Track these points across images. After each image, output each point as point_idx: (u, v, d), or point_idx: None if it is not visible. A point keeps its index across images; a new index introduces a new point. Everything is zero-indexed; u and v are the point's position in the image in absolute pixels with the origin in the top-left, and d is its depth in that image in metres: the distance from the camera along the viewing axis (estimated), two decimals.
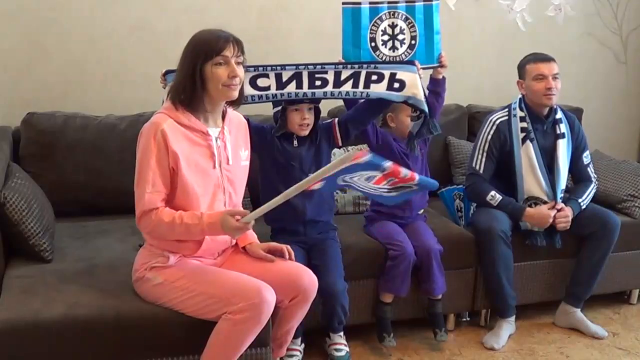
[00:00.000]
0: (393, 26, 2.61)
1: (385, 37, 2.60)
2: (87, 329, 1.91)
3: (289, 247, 2.16)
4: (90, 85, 3.06)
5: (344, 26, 2.59)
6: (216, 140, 2.01)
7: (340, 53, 3.36)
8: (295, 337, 2.36)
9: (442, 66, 2.64)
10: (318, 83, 2.37)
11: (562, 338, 2.86)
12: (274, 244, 2.17)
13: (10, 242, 2.27)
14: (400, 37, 2.62)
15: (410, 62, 2.44)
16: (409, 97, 2.40)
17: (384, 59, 2.59)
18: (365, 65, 2.39)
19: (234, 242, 2.15)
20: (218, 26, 3.14)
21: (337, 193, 2.89)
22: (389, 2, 2.61)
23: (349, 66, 2.39)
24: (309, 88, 2.36)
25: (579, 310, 2.93)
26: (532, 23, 3.19)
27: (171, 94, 1.97)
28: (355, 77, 2.38)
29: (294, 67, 2.35)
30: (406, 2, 2.62)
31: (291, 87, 2.35)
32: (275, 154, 2.43)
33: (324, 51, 3.32)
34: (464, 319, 2.99)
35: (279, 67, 2.34)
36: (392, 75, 2.39)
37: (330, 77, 2.38)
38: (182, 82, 1.93)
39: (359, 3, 2.59)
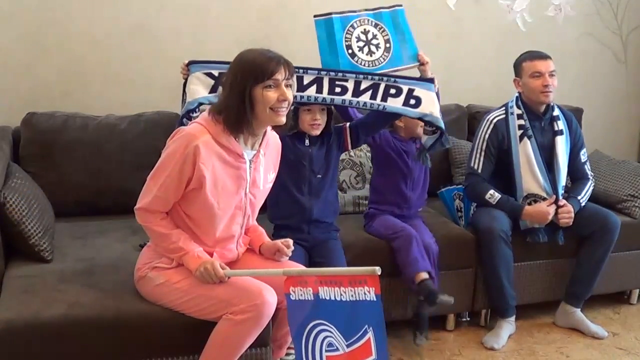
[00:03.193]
0: (366, 32, 2.63)
1: (361, 44, 2.62)
2: (87, 329, 1.90)
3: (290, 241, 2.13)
4: (90, 85, 3.06)
5: (318, 37, 2.59)
6: (249, 164, 1.98)
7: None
8: None
9: (422, 64, 2.62)
10: (338, 90, 2.39)
11: (562, 338, 2.86)
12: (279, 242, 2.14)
13: (10, 242, 2.27)
14: (374, 42, 2.64)
15: (429, 80, 2.46)
16: (425, 115, 2.43)
17: (362, 64, 2.59)
18: (385, 78, 2.41)
19: (240, 254, 2.14)
20: (218, 26, 3.19)
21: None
22: (356, 12, 2.64)
23: (370, 77, 2.41)
24: (328, 94, 2.38)
25: (578, 310, 2.93)
26: (532, 23, 3.19)
27: (214, 112, 1.91)
28: (374, 88, 2.40)
29: (316, 71, 2.38)
30: (373, 10, 2.65)
31: (311, 91, 2.36)
32: (286, 152, 2.43)
33: None
34: (464, 319, 2.98)
35: (300, 70, 2.35)
36: (410, 90, 2.41)
37: (350, 85, 2.40)
38: (230, 104, 1.87)
39: (330, 14, 2.60)
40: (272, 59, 1.87)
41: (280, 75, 1.87)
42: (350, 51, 2.59)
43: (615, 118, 4.11)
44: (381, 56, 2.62)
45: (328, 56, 2.58)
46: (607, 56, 3.99)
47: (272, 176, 2.12)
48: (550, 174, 2.83)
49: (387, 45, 2.63)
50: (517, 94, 2.91)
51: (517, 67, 2.90)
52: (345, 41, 2.59)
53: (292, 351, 2.40)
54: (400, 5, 2.69)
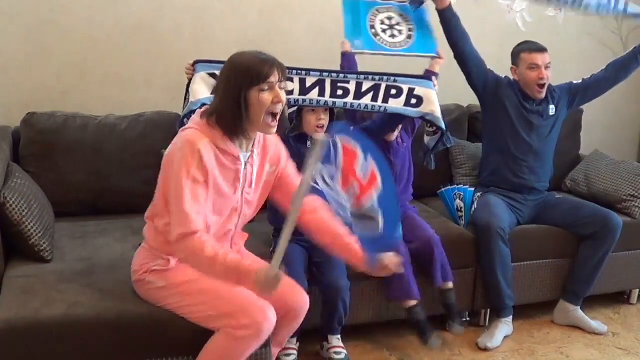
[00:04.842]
0: (390, 18, 2.77)
1: (384, 27, 2.74)
2: (87, 329, 1.91)
3: None
4: (90, 85, 3.06)
5: (344, 15, 2.71)
6: (245, 165, 1.95)
7: (339, 53, 3.37)
8: (291, 337, 2.36)
9: (439, 57, 2.76)
10: (340, 92, 2.42)
11: (562, 338, 2.86)
12: None
13: (10, 242, 2.27)
14: (397, 27, 2.77)
15: (428, 78, 2.49)
16: (427, 114, 2.47)
17: (385, 44, 2.69)
18: (385, 78, 2.45)
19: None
20: (219, 25, 3.19)
21: None
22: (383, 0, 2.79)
23: (371, 77, 2.45)
24: (330, 96, 2.41)
25: (578, 308, 2.93)
26: (532, 23, 3.19)
27: (208, 115, 1.88)
28: (375, 89, 2.44)
29: (318, 73, 2.41)
30: (399, 2, 2.81)
31: (314, 94, 2.39)
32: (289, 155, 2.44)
33: (324, 51, 3.33)
34: (464, 319, 2.98)
35: (303, 72, 2.39)
36: (411, 90, 2.44)
37: (352, 87, 2.43)
38: (224, 108, 1.84)
39: None
40: (266, 61, 1.84)
41: (274, 78, 1.84)
42: (373, 31, 2.72)
43: (615, 118, 4.11)
44: (403, 41, 2.74)
45: (350, 32, 2.70)
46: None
47: (268, 167, 2.04)
48: (537, 162, 2.95)
49: (410, 33, 2.77)
50: (513, 81, 3.00)
51: (515, 56, 2.98)
52: (370, 21, 2.71)
53: (292, 351, 2.42)
54: (421, 5, 2.83)
